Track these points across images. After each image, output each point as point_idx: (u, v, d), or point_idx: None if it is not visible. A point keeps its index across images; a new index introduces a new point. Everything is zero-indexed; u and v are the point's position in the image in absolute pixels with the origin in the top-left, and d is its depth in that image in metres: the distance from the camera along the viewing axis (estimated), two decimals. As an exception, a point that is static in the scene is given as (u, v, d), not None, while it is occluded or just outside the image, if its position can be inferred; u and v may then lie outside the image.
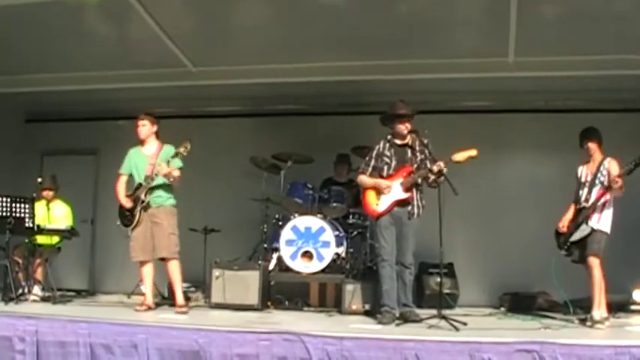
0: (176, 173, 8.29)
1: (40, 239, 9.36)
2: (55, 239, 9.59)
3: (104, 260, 11.82)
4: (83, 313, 7.53)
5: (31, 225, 9.01)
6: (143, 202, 8.33)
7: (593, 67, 9.26)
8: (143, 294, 8.77)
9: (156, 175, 8.25)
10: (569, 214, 8.04)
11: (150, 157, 8.47)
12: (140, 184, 8.40)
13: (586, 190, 7.89)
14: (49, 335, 6.63)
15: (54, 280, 9.28)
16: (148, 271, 8.51)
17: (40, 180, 9.98)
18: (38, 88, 10.68)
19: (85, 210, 11.76)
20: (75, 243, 9.93)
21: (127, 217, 8.49)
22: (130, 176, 8.63)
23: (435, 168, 7.54)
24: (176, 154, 8.19)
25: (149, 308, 8.32)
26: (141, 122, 8.58)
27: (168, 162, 8.17)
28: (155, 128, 8.64)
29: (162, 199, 8.40)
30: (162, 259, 8.43)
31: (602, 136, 7.96)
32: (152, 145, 8.60)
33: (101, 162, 12.27)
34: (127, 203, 8.44)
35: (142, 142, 8.63)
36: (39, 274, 9.36)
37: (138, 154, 8.61)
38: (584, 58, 9.21)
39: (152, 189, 8.35)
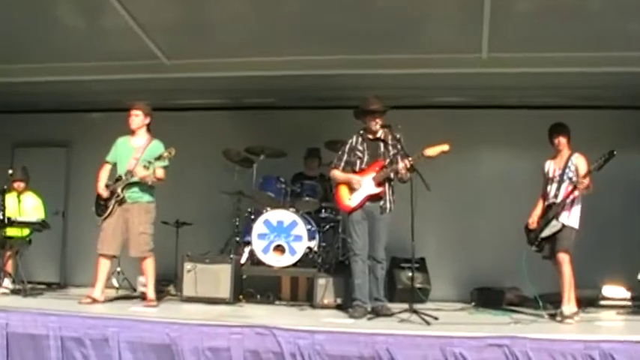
0: (159, 173, 8.19)
1: (11, 231, 9.25)
2: (26, 231, 9.49)
3: (75, 253, 11.72)
4: (54, 306, 7.47)
5: (1, 217, 8.95)
6: (119, 196, 8.19)
7: (567, 64, 9.30)
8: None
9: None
10: (538, 209, 8.11)
11: (136, 150, 8.33)
12: (120, 177, 8.27)
13: (555, 185, 7.95)
14: (19, 328, 6.58)
15: (24, 272, 9.20)
16: (104, 264, 8.30)
17: (10, 172, 9.76)
18: (9, 79, 10.52)
19: (56, 202, 11.66)
20: (46, 235, 9.80)
21: (100, 207, 8.35)
22: (115, 165, 8.47)
23: (407, 162, 7.56)
24: (159, 157, 8.09)
25: (94, 301, 8.06)
26: (134, 112, 8.40)
27: (150, 162, 8.07)
28: (147, 120, 8.46)
29: (138, 195, 8.25)
30: None
31: (573, 133, 8.02)
32: (142, 137, 8.44)
33: (72, 154, 12.22)
34: (104, 193, 8.30)
35: (132, 133, 8.45)
36: (9, 266, 9.27)
37: (125, 145, 8.44)
38: (558, 54, 9.25)
39: (130, 184, 8.23)
